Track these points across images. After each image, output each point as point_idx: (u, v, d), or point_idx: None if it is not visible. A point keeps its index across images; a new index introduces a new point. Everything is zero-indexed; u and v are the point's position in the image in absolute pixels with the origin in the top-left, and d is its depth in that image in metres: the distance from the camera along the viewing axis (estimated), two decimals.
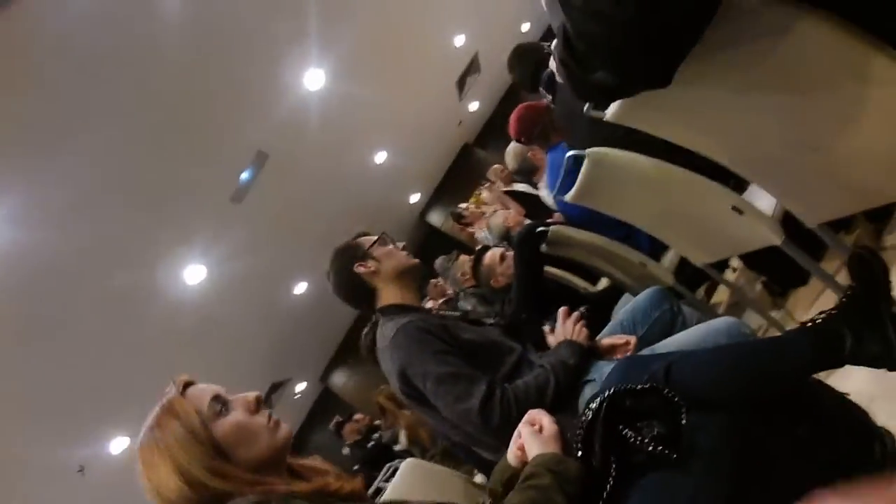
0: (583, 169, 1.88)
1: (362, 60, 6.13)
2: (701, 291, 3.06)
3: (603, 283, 3.41)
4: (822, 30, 1.02)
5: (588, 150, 1.78)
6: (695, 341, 1.58)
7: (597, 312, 2.33)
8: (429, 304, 5.25)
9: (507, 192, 5.40)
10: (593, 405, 1.14)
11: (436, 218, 12.28)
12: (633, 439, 1.09)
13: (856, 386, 1.26)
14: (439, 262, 5.33)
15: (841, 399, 1.22)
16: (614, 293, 3.09)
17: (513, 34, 8.88)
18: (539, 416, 1.26)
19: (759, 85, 1.18)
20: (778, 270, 2.40)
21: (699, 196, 1.73)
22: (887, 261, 1.26)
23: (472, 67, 9.12)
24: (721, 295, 3.11)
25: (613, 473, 1.08)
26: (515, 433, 1.26)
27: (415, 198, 11.45)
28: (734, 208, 1.69)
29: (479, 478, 2.08)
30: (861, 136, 1.18)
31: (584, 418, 1.14)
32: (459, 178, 11.92)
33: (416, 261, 2.04)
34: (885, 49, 1.00)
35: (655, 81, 1.09)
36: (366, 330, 1.97)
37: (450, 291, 5.35)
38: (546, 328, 1.97)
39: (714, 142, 1.46)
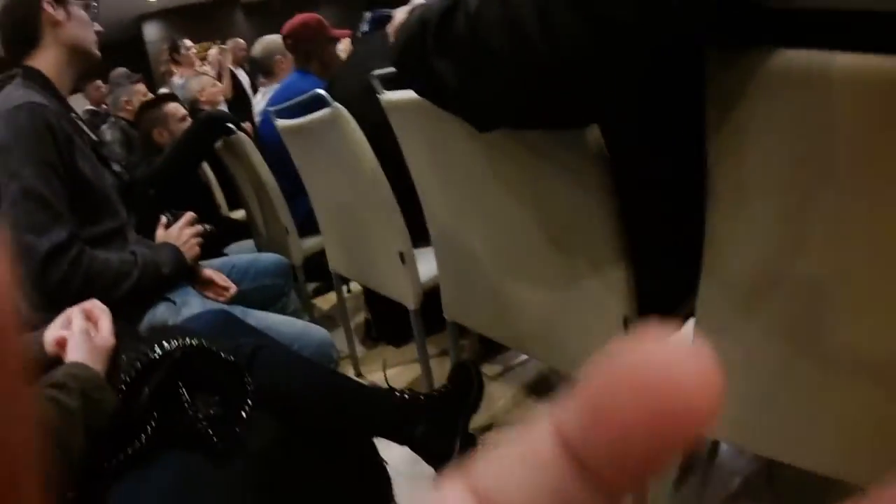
0: (316, 113, 1.71)
1: None
2: (310, 286, 3.04)
3: (239, 214, 3.22)
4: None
5: (336, 104, 1.62)
6: (287, 333, 1.50)
7: (216, 238, 2.15)
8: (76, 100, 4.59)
9: (229, 69, 5.09)
10: (168, 345, 0.94)
11: (151, 31, 11.08)
12: (187, 406, 0.92)
13: (394, 457, 1.36)
14: (120, 72, 4.73)
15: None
16: (242, 231, 2.94)
17: None
18: (101, 315, 1.01)
19: (522, 195, 1.14)
20: (387, 322, 2.44)
21: (382, 221, 1.67)
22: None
23: None
24: (326, 303, 3.11)
25: (148, 433, 0.89)
26: (65, 315, 1.00)
27: None
28: (400, 253, 1.66)
29: None
30: (536, 292, 1.19)
31: (150, 354, 0.93)
32: (202, 19, 10.95)
33: (99, 55, 1.65)
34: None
35: (481, 120, 0.93)
36: None
37: (104, 106, 4.77)
38: (163, 219, 1.73)
39: (437, 195, 1.40)
